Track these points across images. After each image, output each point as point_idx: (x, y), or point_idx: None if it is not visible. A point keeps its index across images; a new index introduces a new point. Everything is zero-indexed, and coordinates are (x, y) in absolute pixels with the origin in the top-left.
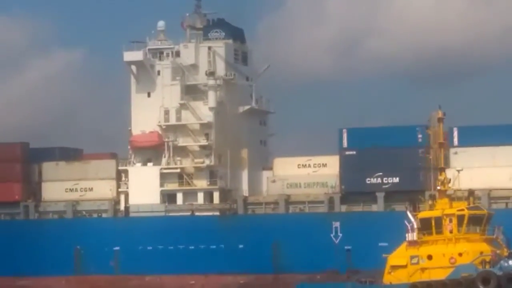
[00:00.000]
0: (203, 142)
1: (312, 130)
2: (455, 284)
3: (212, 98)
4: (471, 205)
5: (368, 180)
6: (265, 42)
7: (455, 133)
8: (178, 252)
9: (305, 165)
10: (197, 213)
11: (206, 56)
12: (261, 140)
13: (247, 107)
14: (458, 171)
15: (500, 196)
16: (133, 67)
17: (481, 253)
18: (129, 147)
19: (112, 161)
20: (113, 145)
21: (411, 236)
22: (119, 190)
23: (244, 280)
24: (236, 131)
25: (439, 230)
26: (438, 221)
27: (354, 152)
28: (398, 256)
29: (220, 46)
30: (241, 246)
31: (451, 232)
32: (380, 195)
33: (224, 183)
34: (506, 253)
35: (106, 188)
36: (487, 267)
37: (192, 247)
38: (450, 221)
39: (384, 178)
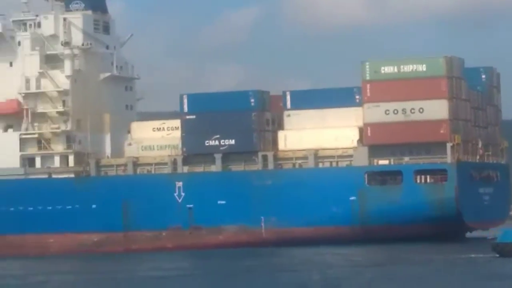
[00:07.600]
0: (60, 108)
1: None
2: None
3: (68, 66)
4: None
5: (207, 143)
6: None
7: (288, 97)
8: (37, 212)
9: (160, 128)
10: (54, 176)
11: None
12: (127, 104)
13: (107, 74)
14: None
15: (326, 155)
16: None
17: None
18: None
19: None
20: None
21: None
22: None
23: (97, 238)
24: (96, 97)
25: None
26: None
27: (194, 116)
28: None
29: (77, 17)
30: (94, 206)
31: None
32: (218, 156)
33: (81, 147)
34: None
35: None
36: None
37: (50, 208)
38: None
39: (221, 140)
